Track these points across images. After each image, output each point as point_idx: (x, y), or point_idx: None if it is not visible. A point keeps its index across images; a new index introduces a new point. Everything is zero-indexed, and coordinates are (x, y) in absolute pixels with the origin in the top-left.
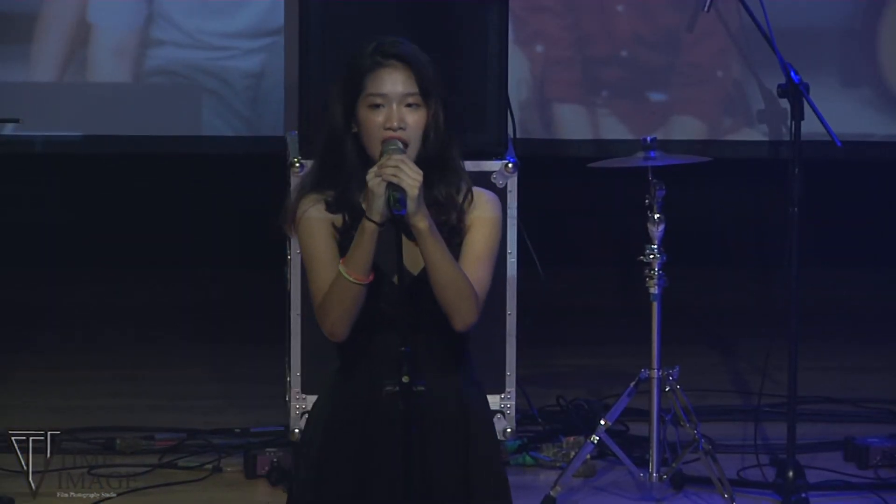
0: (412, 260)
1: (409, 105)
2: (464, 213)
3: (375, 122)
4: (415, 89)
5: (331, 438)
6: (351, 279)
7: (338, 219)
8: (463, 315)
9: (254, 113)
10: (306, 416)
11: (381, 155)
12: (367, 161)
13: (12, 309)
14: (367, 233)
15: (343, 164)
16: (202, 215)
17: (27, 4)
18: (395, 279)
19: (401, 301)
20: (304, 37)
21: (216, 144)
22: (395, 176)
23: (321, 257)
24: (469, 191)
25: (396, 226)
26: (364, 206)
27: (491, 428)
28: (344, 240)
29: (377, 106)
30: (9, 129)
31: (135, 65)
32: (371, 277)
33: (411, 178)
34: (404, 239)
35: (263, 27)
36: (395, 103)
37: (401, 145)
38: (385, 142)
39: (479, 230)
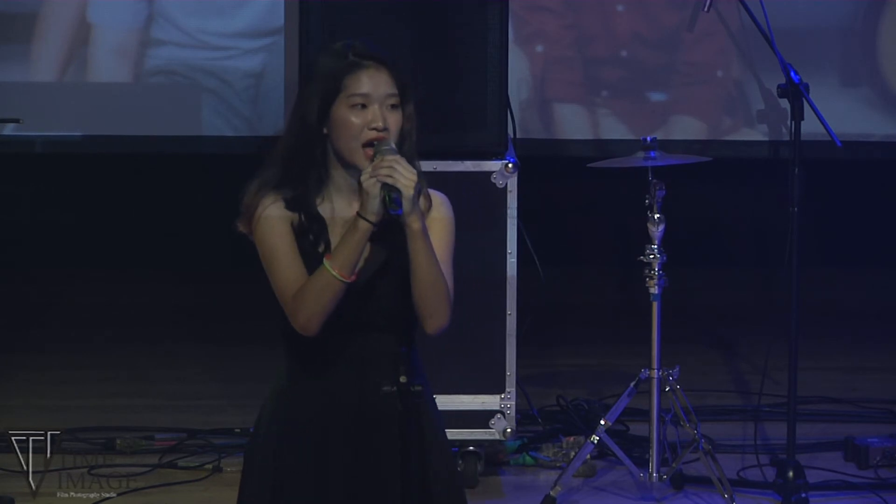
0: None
1: (389, 106)
2: (423, 215)
3: (356, 123)
4: (395, 90)
5: (290, 439)
6: (336, 275)
7: (294, 217)
8: (439, 317)
9: (254, 113)
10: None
11: (374, 156)
12: (330, 162)
13: (12, 308)
14: (361, 232)
15: (310, 165)
16: (202, 215)
17: (27, 4)
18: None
19: (390, 300)
20: (304, 37)
21: (216, 144)
22: (389, 176)
23: (287, 254)
24: (426, 192)
25: (380, 226)
26: (358, 205)
27: (442, 428)
28: (299, 239)
29: (358, 106)
30: (9, 129)
31: (135, 65)
32: (355, 277)
33: (406, 179)
34: (363, 239)
35: (263, 27)
36: (377, 104)
37: (394, 145)
38: (378, 142)
39: (438, 232)
